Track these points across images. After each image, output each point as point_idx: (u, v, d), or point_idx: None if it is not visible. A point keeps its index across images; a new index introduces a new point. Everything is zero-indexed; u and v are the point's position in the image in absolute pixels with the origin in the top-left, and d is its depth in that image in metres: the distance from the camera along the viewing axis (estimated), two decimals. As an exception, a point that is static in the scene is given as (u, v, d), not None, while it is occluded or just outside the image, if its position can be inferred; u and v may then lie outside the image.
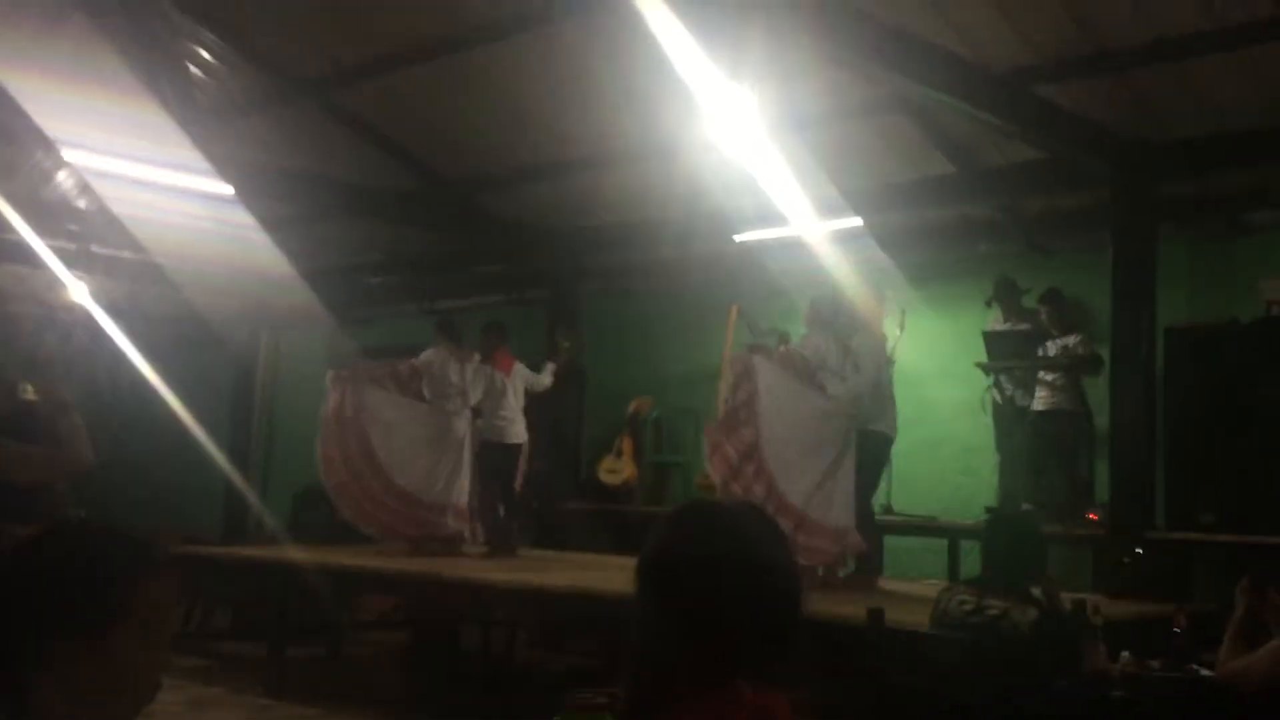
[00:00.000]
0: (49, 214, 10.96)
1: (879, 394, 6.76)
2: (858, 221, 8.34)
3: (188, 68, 9.21)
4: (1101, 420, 7.88)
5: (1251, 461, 7.10)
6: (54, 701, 1.61)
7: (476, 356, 8.69)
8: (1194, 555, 7.09)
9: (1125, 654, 4.28)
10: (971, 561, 7.34)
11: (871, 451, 6.78)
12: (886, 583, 6.91)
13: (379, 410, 8.47)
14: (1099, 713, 3.91)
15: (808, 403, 6.73)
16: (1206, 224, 8.18)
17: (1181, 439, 7.41)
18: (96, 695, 1.64)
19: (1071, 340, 8.09)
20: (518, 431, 8.69)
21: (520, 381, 8.69)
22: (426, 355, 8.65)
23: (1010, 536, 4.32)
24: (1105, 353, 7.66)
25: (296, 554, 8.03)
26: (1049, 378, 8.12)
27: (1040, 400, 8.14)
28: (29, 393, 4.04)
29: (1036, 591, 4.05)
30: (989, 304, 8.56)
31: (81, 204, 11.21)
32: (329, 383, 8.64)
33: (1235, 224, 8.10)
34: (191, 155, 8.34)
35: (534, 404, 8.94)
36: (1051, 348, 8.16)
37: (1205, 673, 4.10)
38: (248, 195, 9.41)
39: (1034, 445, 8.09)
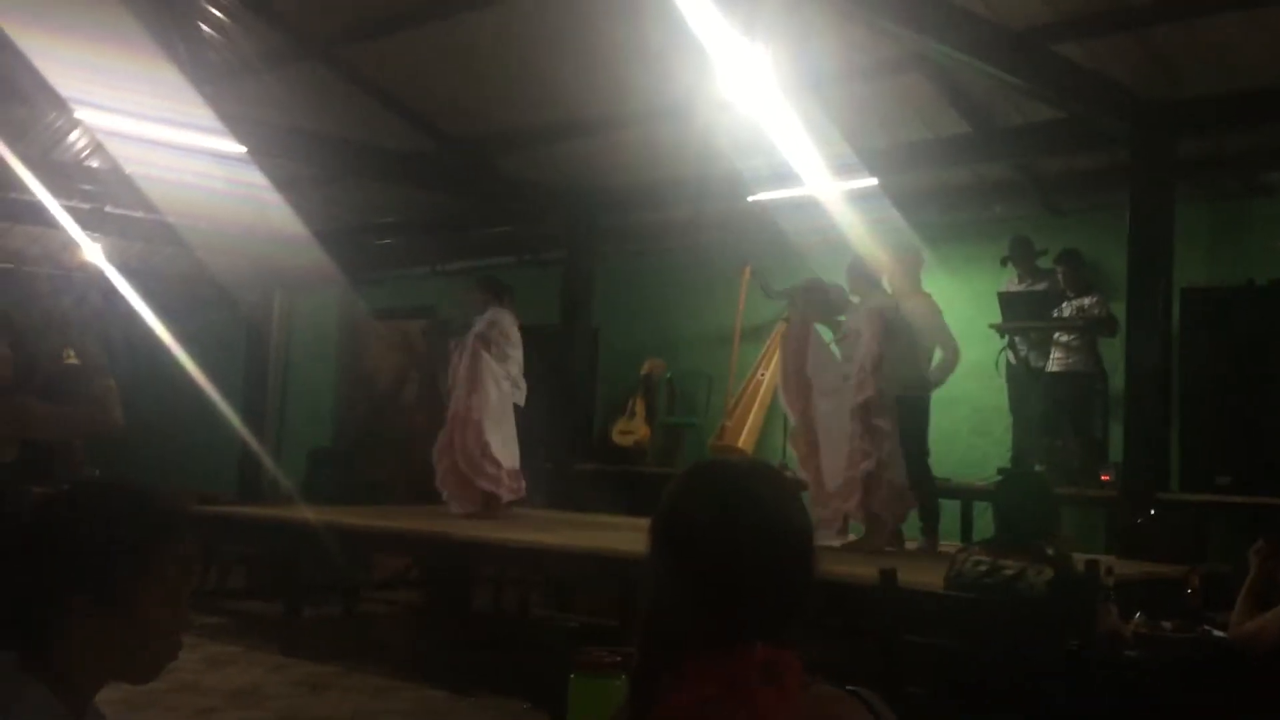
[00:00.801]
0: (63, 174, 10.97)
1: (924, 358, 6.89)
2: (873, 181, 8.29)
3: (200, 26, 9.17)
4: (1116, 381, 7.85)
5: (1267, 423, 7.07)
6: (76, 660, 1.63)
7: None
8: (1208, 517, 7.08)
9: (1138, 615, 4.28)
10: (984, 522, 7.35)
11: (921, 416, 6.90)
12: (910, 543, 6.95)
13: (486, 376, 8.42)
14: (1112, 673, 3.91)
15: (836, 371, 6.86)
16: (1225, 184, 8.11)
17: (1197, 400, 7.39)
18: (118, 654, 1.66)
19: (1087, 301, 8.04)
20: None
21: None
22: (502, 317, 8.56)
23: (1023, 496, 4.32)
24: (1121, 314, 7.62)
25: (310, 514, 8.08)
26: (1064, 339, 8.09)
27: (1055, 361, 8.11)
28: (70, 356, 4.21)
29: (1051, 551, 4.05)
30: (1004, 263, 8.52)
31: (95, 164, 11.22)
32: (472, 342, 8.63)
33: (1254, 184, 8.03)
34: (204, 115, 8.33)
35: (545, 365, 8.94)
36: (1067, 309, 8.11)
37: (1218, 634, 4.10)
38: (260, 155, 9.40)
39: (1048, 406, 8.07)
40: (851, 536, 6.95)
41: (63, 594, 1.61)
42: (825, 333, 7.39)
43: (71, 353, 4.23)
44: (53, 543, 1.65)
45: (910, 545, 6.90)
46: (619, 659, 2.18)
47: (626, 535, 6.54)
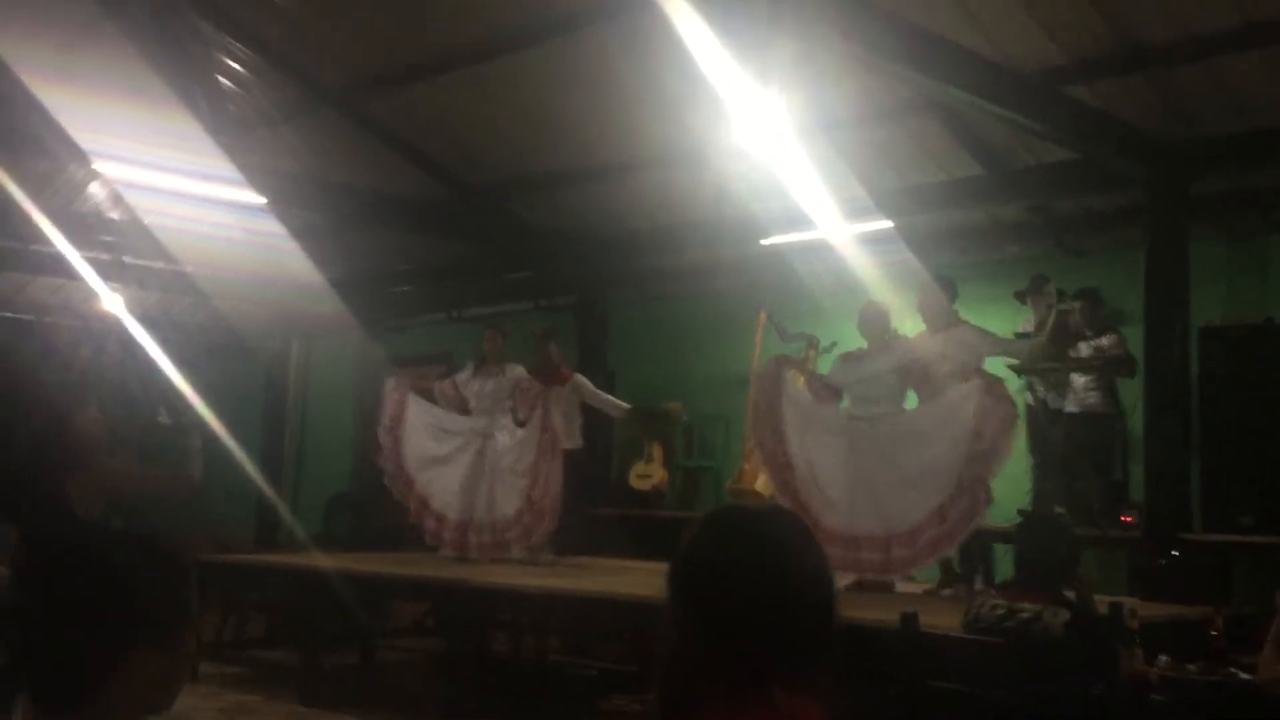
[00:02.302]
0: (83, 226, 11.07)
1: None
2: (887, 224, 8.30)
3: (218, 79, 9.29)
4: (1135, 421, 7.81)
5: (1289, 462, 7.02)
6: (113, 708, 1.67)
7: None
8: (1232, 557, 7.01)
9: (1163, 657, 4.23)
10: (1005, 565, 7.29)
11: None
12: (916, 586, 6.90)
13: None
14: (1136, 716, 3.87)
15: (832, 414, 6.90)
16: (1240, 222, 8.10)
17: (1217, 440, 7.34)
18: (156, 690, 1.72)
19: (1105, 341, 8.02)
20: None
21: None
22: (520, 370, 8.68)
23: (1041, 539, 4.30)
24: (1139, 353, 7.59)
25: (327, 561, 8.06)
26: (1082, 379, 8.06)
27: (1073, 402, 8.08)
28: (163, 415, 4.47)
29: (1069, 594, 4.02)
30: (1022, 299, 8.50)
31: (114, 215, 11.33)
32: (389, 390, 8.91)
33: (1269, 222, 8.01)
34: (223, 165, 8.41)
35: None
36: (1085, 349, 8.09)
37: (1244, 676, 4.05)
38: (278, 205, 9.48)
39: (1067, 448, 8.03)
40: (926, 582, 6.90)
41: (123, 645, 1.66)
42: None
43: (164, 412, 4.48)
44: (108, 598, 1.69)
45: (913, 587, 6.88)
46: (639, 707, 2.16)
47: (645, 580, 6.51)
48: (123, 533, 1.92)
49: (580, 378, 8.82)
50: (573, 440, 8.63)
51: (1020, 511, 7.72)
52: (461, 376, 8.82)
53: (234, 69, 9.34)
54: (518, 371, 8.61)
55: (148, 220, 10.46)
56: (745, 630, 1.56)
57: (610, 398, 8.88)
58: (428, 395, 8.95)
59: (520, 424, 8.53)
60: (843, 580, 6.58)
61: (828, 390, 7.06)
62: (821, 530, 6.67)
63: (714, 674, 1.55)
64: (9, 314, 13.23)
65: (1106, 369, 7.95)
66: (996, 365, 8.36)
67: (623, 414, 8.89)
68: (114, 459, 4.47)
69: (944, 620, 4.52)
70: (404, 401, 8.90)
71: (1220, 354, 7.40)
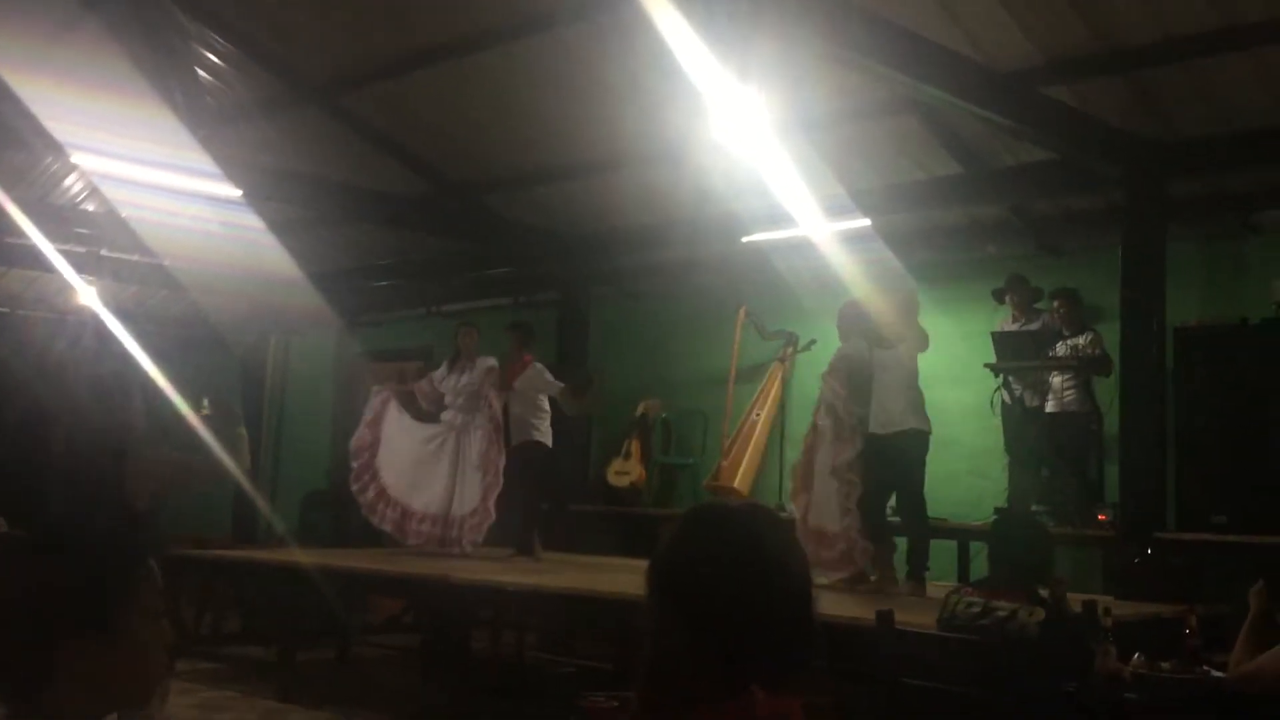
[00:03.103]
0: (58, 218, 11.00)
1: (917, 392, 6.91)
2: (866, 222, 8.32)
3: (197, 72, 9.23)
4: (1112, 420, 7.84)
5: (1263, 462, 7.08)
6: (72, 700, 1.64)
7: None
8: (1205, 556, 7.06)
9: (1136, 655, 4.26)
10: (980, 563, 7.32)
11: (920, 451, 6.92)
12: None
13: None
14: (1111, 714, 3.89)
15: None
16: (1217, 224, 8.15)
17: (1192, 440, 7.39)
18: (115, 681, 1.69)
19: (1081, 340, 8.05)
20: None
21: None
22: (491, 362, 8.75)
23: (1017, 537, 4.32)
24: (1115, 353, 7.63)
25: (305, 557, 8.04)
26: (1059, 378, 8.10)
27: (1050, 401, 8.11)
28: (205, 408, 4.62)
29: (1044, 592, 4.04)
30: (1000, 298, 8.53)
31: (90, 208, 11.26)
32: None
33: (1246, 224, 8.07)
34: (200, 159, 8.36)
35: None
36: (1061, 348, 8.13)
37: (1217, 674, 4.08)
38: (256, 199, 9.43)
39: (1043, 446, 8.06)
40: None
41: (60, 634, 1.63)
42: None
43: (207, 403, 4.62)
44: (43, 588, 1.66)
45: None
46: (617, 705, 2.17)
47: (623, 577, 6.51)
48: (67, 520, 1.89)
49: (537, 365, 8.74)
50: (539, 434, 8.62)
51: (996, 510, 7.78)
52: (438, 374, 8.85)
53: (213, 62, 9.29)
54: (489, 363, 8.65)
55: (124, 213, 10.40)
56: (725, 628, 1.56)
57: (557, 384, 8.80)
58: (409, 398, 9.00)
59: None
60: (834, 577, 6.68)
61: None
62: (807, 528, 6.83)
63: (694, 672, 1.55)
64: (-17, 306, 13.15)
65: (1083, 368, 7.99)
66: (975, 363, 8.41)
67: (563, 394, 8.81)
68: (159, 449, 4.56)
69: (920, 618, 4.54)
70: (387, 404, 8.95)
71: (1196, 354, 7.45)
